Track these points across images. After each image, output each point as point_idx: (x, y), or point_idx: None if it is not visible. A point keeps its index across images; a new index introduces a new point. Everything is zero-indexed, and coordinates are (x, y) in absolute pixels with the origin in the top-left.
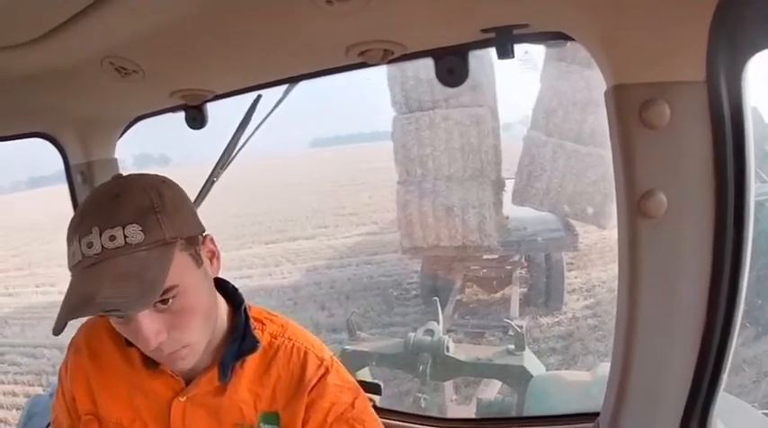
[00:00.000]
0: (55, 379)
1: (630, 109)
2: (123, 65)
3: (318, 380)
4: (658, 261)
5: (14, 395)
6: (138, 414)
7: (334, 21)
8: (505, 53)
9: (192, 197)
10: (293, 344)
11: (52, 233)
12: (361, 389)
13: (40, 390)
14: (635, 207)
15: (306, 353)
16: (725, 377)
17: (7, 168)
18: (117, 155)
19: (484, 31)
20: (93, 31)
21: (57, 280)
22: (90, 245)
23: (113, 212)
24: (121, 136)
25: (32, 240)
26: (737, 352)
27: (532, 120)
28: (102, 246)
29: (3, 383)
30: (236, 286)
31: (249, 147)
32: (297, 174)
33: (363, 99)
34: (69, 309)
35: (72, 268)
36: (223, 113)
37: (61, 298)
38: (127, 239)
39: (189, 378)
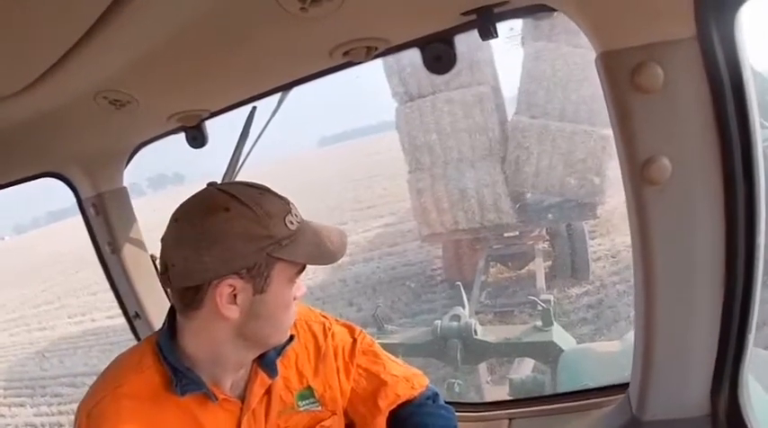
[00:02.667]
0: None
1: (622, 75)
2: (117, 97)
3: (330, 339)
4: (669, 226)
5: (60, 425)
6: None
7: (312, 25)
8: (488, 34)
9: None
10: (295, 323)
11: (77, 264)
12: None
13: None
14: (638, 175)
15: (309, 326)
16: (752, 334)
17: (25, 206)
18: (132, 179)
19: (464, 14)
20: (81, 69)
21: (88, 309)
22: (297, 215)
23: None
24: (127, 164)
25: (58, 273)
26: None
27: (517, 104)
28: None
29: (48, 415)
30: None
31: (257, 156)
32: (309, 175)
33: (365, 91)
34: (337, 247)
35: (298, 224)
36: (228, 124)
37: (94, 325)
38: None
39: (240, 397)
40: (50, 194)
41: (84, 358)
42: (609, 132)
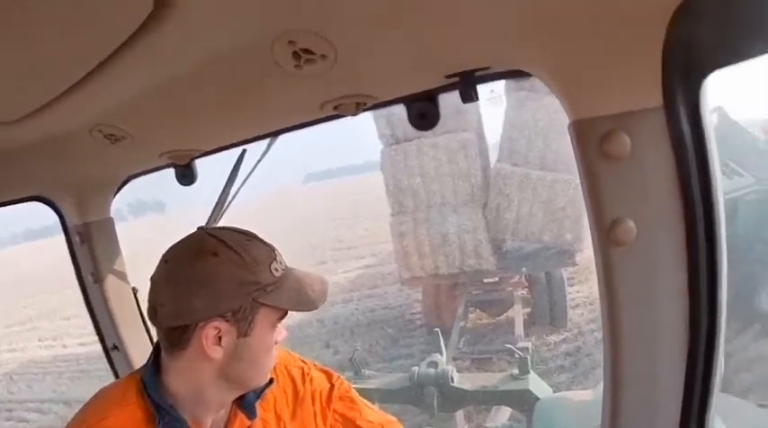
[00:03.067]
0: None
1: (591, 142)
2: (112, 132)
3: (309, 384)
4: (634, 286)
5: None
6: None
7: (305, 82)
8: (469, 97)
9: None
10: (274, 367)
11: (53, 285)
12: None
13: None
14: (605, 235)
15: (288, 370)
16: (717, 386)
17: (4, 221)
18: (113, 205)
19: (448, 76)
20: (81, 103)
21: (60, 334)
22: (281, 262)
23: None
24: (115, 195)
25: (33, 293)
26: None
27: (499, 152)
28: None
29: None
30: None
31: (243, 192)
32: (293, 212)
33: (351, 131)
34: (318, 295)
35: (283, 271)
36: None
37: (65, 351)
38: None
39: None
40: (31, 212)
41: (52, 384)
42: None
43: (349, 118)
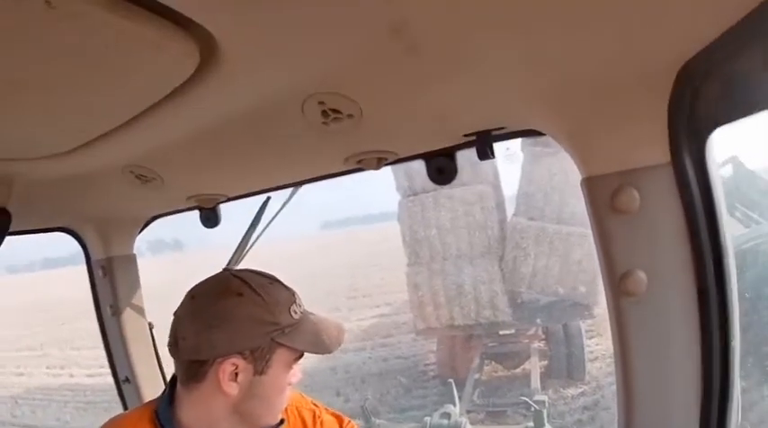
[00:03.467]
0: None
1: (602, 197)
2: (143, 173)
3: (319, 426)
4: (646, 335)
5: None
6: None
7: (332, 137)
8: (485, 155)
9: None
10: (286, 408)
11: (66, 315)
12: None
13: None
14: (617, 287)
15: (299, 411)
16: None
17: (22, 249)
18: None
19: (466, 135)
20: (119, 144)
21: (68, 363)
22: (300, 305)
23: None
24: (140, 233)
25: (46, 321)
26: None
27: (515, 206)
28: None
29: None
30: None
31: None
32: (308, 258)
33: (370, 181)
34: (334, 339)
35: (301, 314)
36: None
37: (72, 380)
38: None
39: None
40: (50, 241)
41: (57, 412)
42: None
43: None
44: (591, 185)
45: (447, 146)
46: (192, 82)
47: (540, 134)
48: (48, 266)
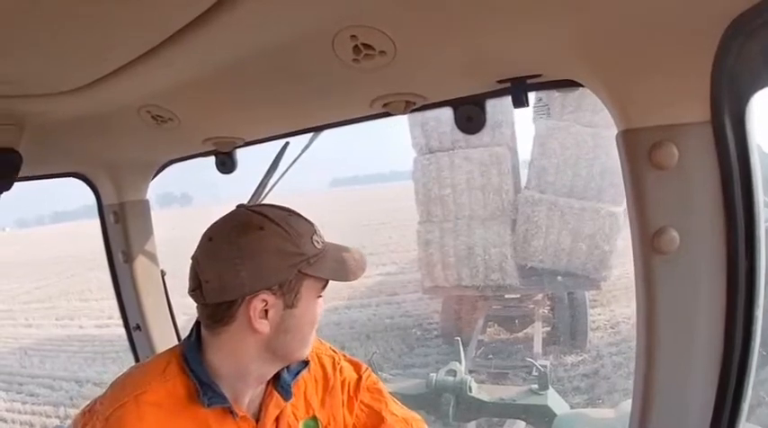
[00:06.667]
0: (71, 411)
1: (640, 151)
2: (160, 113)
3: (339, 373)
4: (673, 295)
5: (31, 425)
6: None
7: (360, 76)
8: (520, 102)
9: None
10: None
11: (74, 267)
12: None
13: (56, 422)
14: (649, 244)
15: (319, 358)
16: (746, 407)
17: (31, 202)
18: None
19: (500, 81)
20: (135, 81)
21: (77, 314)
22: (321, 235)
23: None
24: (153, 178)
25: (54, 274)
26: None
27: (527, 179)
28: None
29: (21, 413)
30: None
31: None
32: (317, 214)
33: (382, 139)
34: (359, 265)
35: (323, 243)
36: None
37: (81, 332)
38: None
39: (254, 416)
40: (58, 195)
41: (66, 362)
42: (616, 209)
43: (383, 126)
44: (628, 139)
45: (478, 93)
46: (213, 11)
47: (576, 85)
48: (57, 220)
